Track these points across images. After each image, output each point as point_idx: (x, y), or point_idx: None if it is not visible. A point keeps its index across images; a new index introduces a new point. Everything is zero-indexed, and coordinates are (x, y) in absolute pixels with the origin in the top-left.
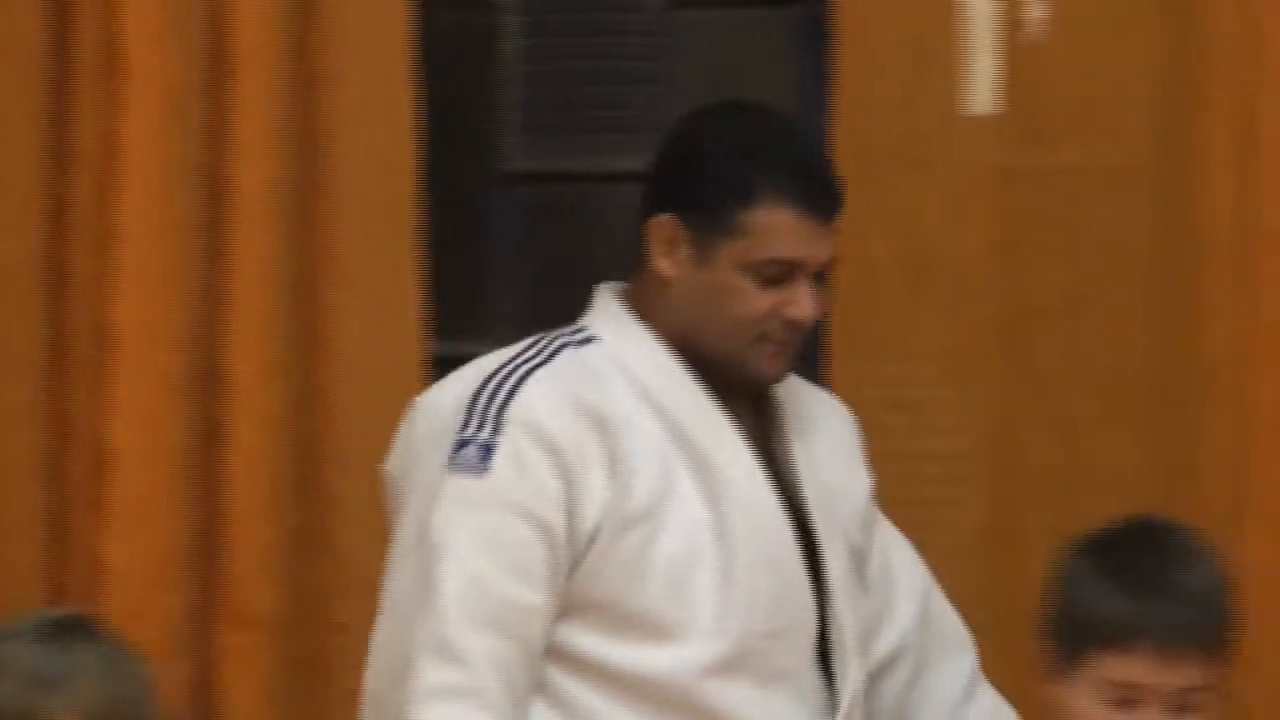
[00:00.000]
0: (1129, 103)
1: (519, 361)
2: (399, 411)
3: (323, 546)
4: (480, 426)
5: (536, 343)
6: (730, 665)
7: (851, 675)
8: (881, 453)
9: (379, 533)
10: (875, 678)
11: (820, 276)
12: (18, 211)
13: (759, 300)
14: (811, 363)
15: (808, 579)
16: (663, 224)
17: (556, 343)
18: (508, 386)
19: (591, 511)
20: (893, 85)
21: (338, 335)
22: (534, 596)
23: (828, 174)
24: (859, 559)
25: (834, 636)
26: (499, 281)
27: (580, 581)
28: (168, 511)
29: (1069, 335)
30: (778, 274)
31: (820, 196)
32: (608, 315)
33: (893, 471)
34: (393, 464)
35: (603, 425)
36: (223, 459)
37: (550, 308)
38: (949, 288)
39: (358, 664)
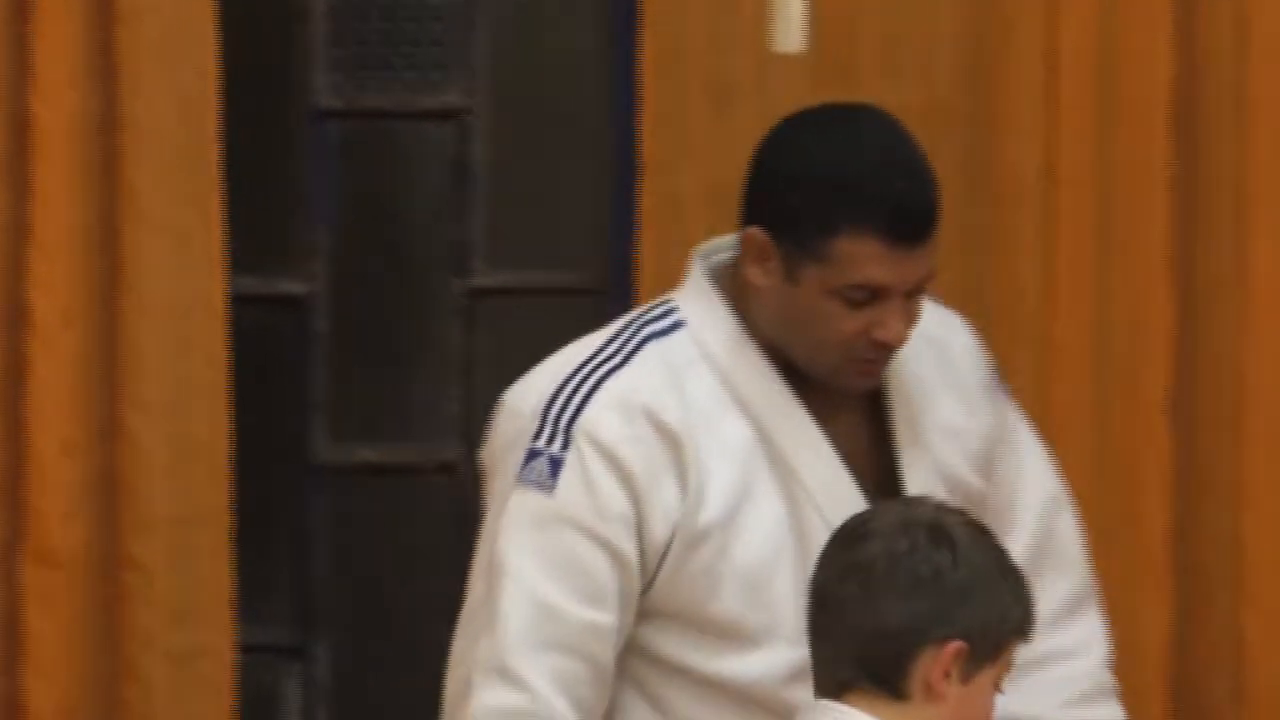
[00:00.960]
0: (936, 41)
1: (597, 363)
2: (200, 350)
3: (121, 485)
4: (551, 438)
5: (620, 334)
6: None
7: None
8: None
9: (176, 471)
10: None
11: (914, 292)
12: None
13: (847, 322)
14: (628, 296)
15: None
16: (754, 236)
17: (641, 334)
18: (581, 394)
19: (662, 529)
20: (701, 24)
21: (139, 274)
22: (602, 617)
23: (917, 199)
24: (976, 499)
25: None
26: (308, 219)
27: (657, 592)
28: None
29: None
30: (865, 298)
31: (905, 224)
32: (699, 296)
33: None
34: (483, 457)
35: (675, 438)
36: (25, 397)
37: (359, 245)
38: None
39: (153, 602)
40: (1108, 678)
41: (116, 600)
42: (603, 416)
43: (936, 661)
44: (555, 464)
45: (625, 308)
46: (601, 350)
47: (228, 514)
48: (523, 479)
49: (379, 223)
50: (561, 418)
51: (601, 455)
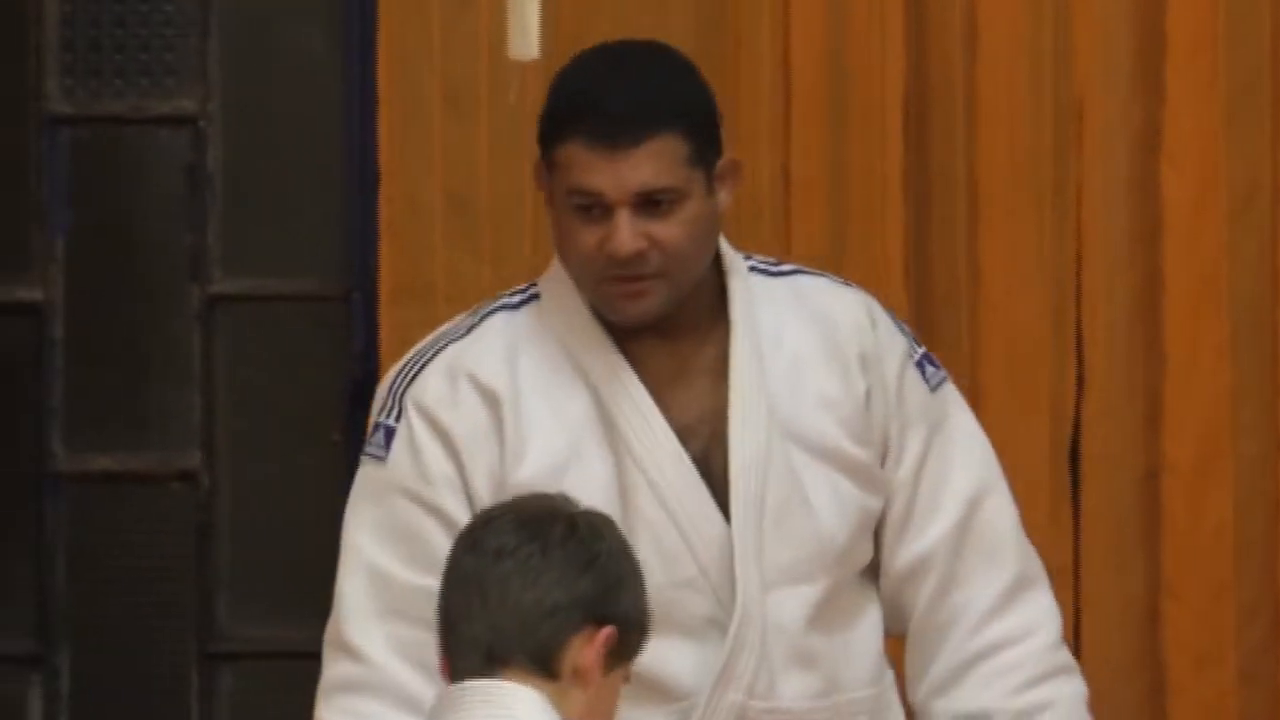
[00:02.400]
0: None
1: (441, 336)
2: None
3: None
4: (388, 410)
5: (476, 310)
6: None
7: (754, 607)
8: None
9: None
10: (902, 585)
11: (655, 206)
12: None
13: (582, 236)
14: (369, 302)
15: (724, 522)
16: (536, 165)
17: (494, 306)
18: (417, 366)
19: (484, 487)
20: (437, 29)
21: None
22: (437, 581)
23: (615, 102)
24: (855, 468)
25: (739, 570)
26: (42, 225)
27: None
28: None
29: None
30: (588, 205)
31: (602, 127)
32: (555, 272)
33: None
34: None
35: (496, 399)
36: None
37: (92, 250)
38: (495, 231)
39: None
40: (1059, 657)
41: None
42: (429, 383)
43: (590, 644)
44: (389, 434)
45: (367, 313)
46: (448, 328)
47: None
48: (365, 452)
49: (114, 229)
50: (397, 389)
51: (425, 419)
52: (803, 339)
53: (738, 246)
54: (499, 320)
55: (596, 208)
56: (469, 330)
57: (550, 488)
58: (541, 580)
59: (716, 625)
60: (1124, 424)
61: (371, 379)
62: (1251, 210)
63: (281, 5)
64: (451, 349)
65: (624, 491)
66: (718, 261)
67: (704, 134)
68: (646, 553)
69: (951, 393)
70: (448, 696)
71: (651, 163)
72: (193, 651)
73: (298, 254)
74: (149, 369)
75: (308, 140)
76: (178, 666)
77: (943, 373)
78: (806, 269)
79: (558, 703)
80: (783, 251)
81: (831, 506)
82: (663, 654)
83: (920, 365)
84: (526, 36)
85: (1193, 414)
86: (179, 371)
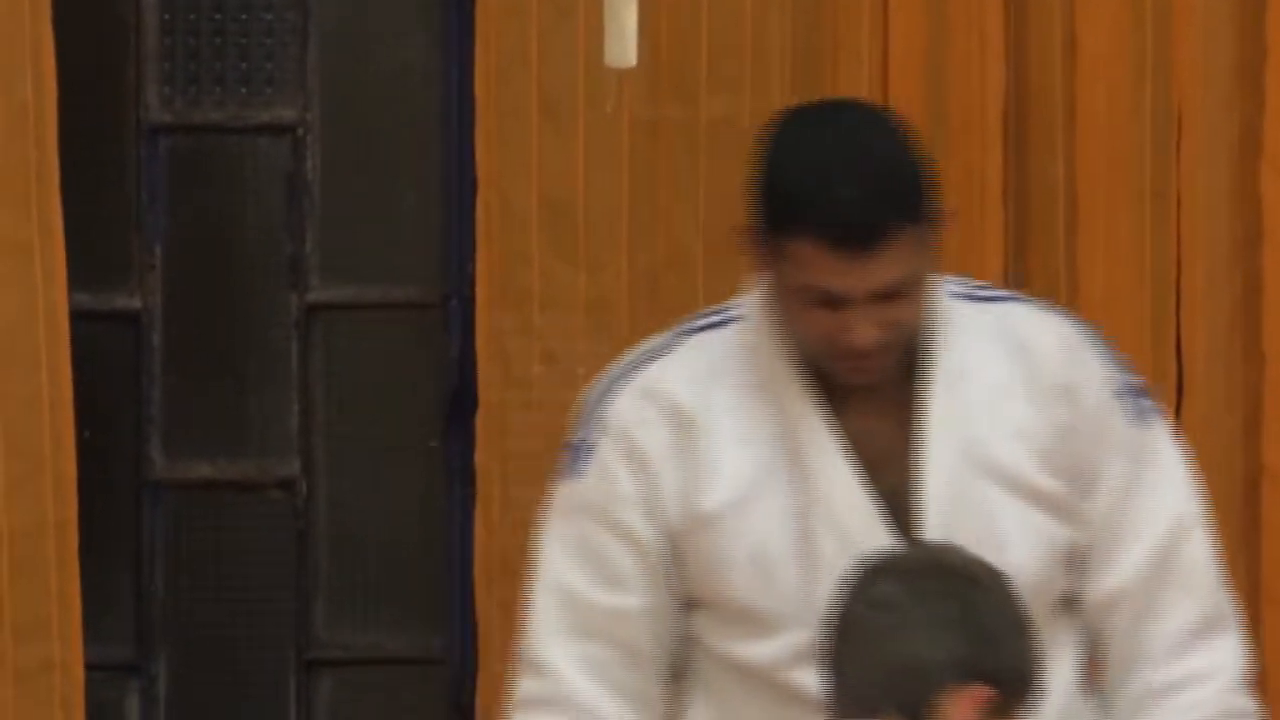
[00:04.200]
0: (765, 55)
1: (643, 352)
2: (34, 365)
3: None
4: (586, 428)
5: (677, 329)
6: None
7: None
8: (527, 403)
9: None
10: (1100, 616)
11: (893, 296)
12: None
13: (815, 322)
14: (466, 309)
15: None
16: (744, 232)
17: (699, 324)
18: (615, 386)
19: (673, 508)
20: (535, 38)
21: None
22: (625, 601)
23: (857, 208)
24: (1048, 500)
25: None
26: (141, 234)
27: (684, 576)
28: None
29: (709, 286)
30: (822, 300)
31: (844, 233)
32: (756, 296)
33: (537, 422)
34: None
35: (690, 422)
36: None
37: (190, 258)
38: (591, 239)
39: None
40: (1238, 701)
41: None
42: (625, 404)
43: (962, 701)
44: (585, 453)
45: (464, 319)
46: (652, 344)
47: (75, 527)
48: (562, 470)
49: (213, 238)
50: (596, 407)
51: (619, 440)
52: (1001, 369)
53: None
54: (697, 341)
55: (826, 300)
56: (668, 350)
57: (737, 515)
58: (916, 636)
59: None
60: (1224, 430)
61: (469, 386)
62: None
63: (380, 14)
64: (650, 369)
65: (805, 527)
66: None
67: (931, 211)
68: (827, 588)
69: (1159, 425)
70: None
71: (892, 262)
72: (291, 659)
73: (395, 261)
74: (247, 377)
75: (405, 148)
76: (275, 674)
77: (1150, 403)
78: (1015, 295)
79: None
80: None
81: (1022, 539)
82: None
83: (1123, 396)
84: (624, 44)
85: None
86: (277, 379)
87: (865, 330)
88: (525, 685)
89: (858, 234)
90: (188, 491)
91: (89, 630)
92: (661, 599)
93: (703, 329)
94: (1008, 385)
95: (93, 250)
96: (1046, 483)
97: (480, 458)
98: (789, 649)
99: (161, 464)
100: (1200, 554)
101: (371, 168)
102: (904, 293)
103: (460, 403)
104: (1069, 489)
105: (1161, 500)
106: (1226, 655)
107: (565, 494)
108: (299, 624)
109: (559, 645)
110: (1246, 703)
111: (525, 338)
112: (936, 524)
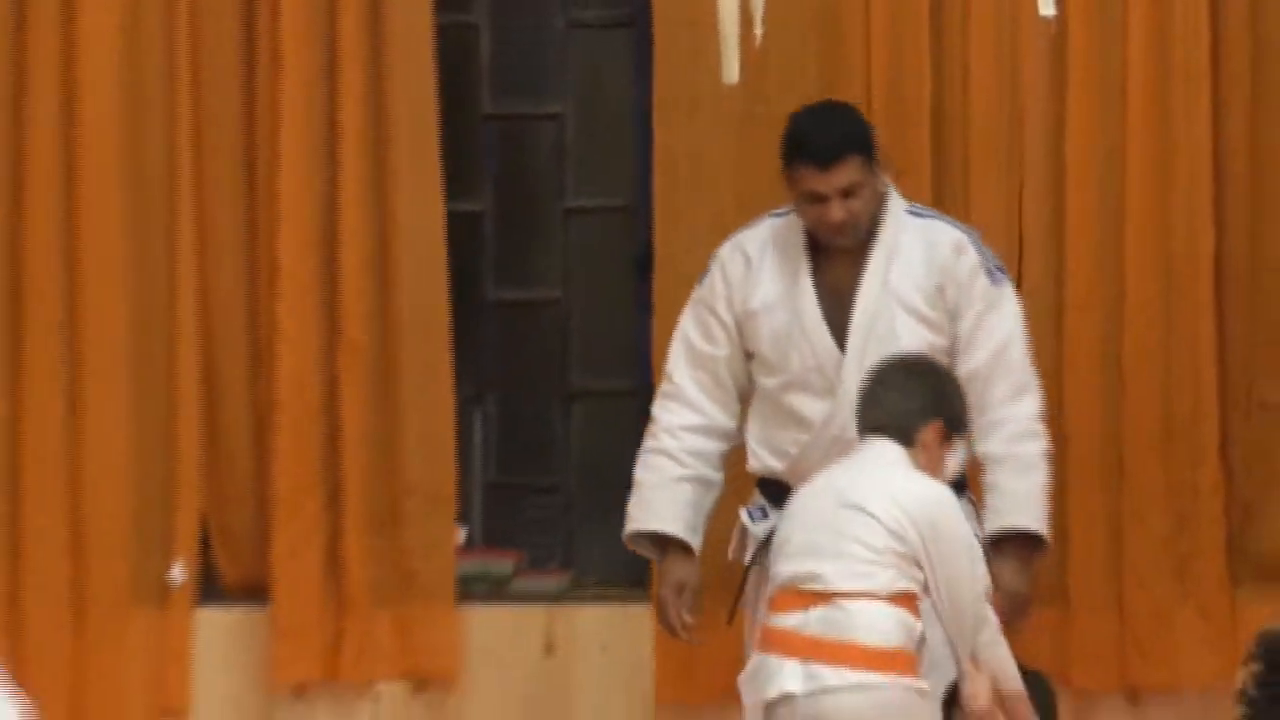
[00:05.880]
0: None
1: (745, 225)
2: None
3: None
4: (710, 259)
5: (765, 215)
6: (798, 384)
7: (851, 386)
8: None
9: None
10: (964, 387)
11: (847, 193)
12: None
13: (809, 212)
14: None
15: (834, 342)
16: (781, 173)
17: (771, 215)
18: (728, 240)
19: (740, 303)
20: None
21: None
22: (716, 350)
23: (823, 139)
24: (925, 318)
25: (846, 368)
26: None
27: (743, 340)
28: None
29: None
30: (813, 198)
31: (815, 155)
32: (792, 204)
33: None
34: None
35: (751, 261)
36: None
37: None
38: None
39: None
40: (1035, 427)
41: None
42: (726, 249)
43: (931, 428)
44: (706, 273)
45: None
46: (751, 222)
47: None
48: (698, 281)
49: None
50: (717, 250)
51: (719, 268)
52: (916, 251)
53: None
54: (768, 222)
55: (818, 198)
56: (753, 225)
57: (767, 312)
58: (906, 392)
59: (830, 393)
60: (1047, 293)
61: None
62: None
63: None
64: (743, 233)
65: (795, 325)
66: (880, 206)
67: (869, 151)
68: (801, 349)
69: (1005, 285)
70: (858, 446)
71: (848, 173)
72: None
73: None
74: None
75: None
76: None
77: (1002, 274)
78: (941, 215)
79: (910, 457)
80: None
81: (910, 340)
82: (800, 403)
83: (988, 269)
84: (733, 63)
85: None
86: None
87: (836, 212)
88: (663, 388)
89: (826, 155)
90: None
91: None
92: (735, 351)
93: (774, 216)
94: (917, 259)
95: None
96: (929, 311)
97: None
98: (783, 381)
99: None
100: (1018, 355)
101: None
102: (857, 194)
103: None
104: (942, 316)
105: (1000, 324)
106: (1030, 406)
107: (695, 292)
108: None
109: (682, 369)
110: (1039, 428)
111: None
112: (860, 326)
